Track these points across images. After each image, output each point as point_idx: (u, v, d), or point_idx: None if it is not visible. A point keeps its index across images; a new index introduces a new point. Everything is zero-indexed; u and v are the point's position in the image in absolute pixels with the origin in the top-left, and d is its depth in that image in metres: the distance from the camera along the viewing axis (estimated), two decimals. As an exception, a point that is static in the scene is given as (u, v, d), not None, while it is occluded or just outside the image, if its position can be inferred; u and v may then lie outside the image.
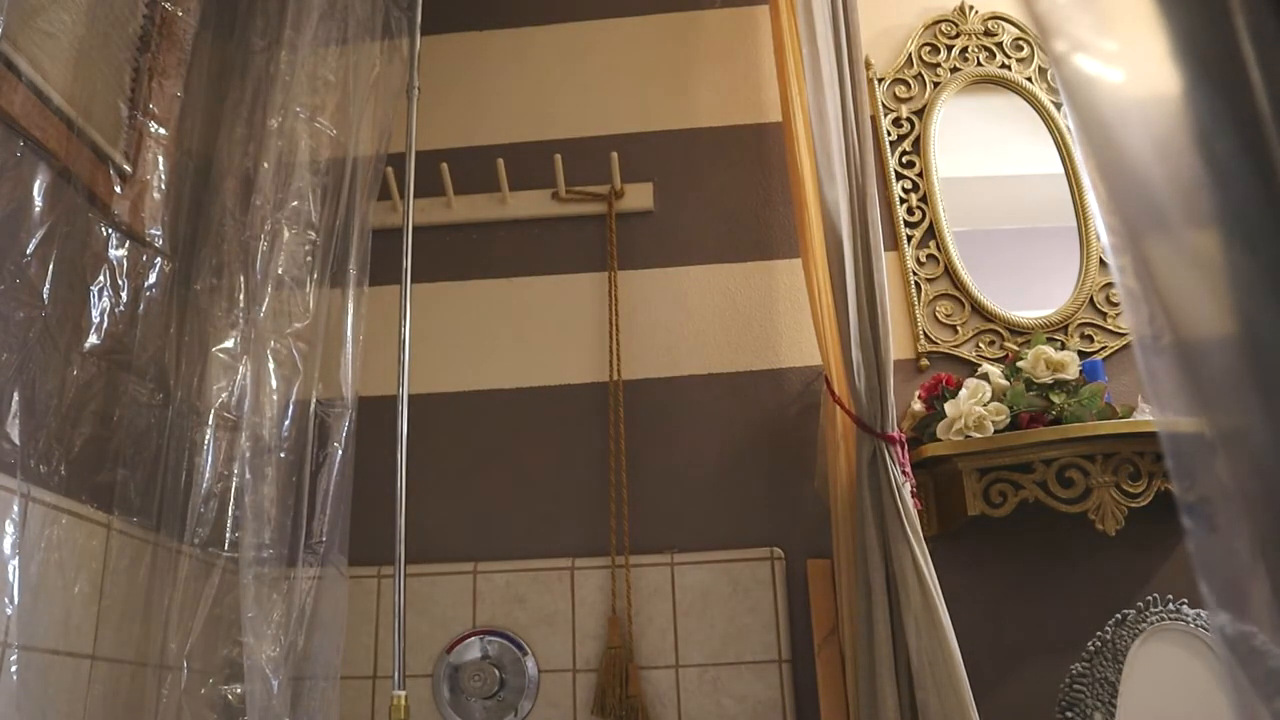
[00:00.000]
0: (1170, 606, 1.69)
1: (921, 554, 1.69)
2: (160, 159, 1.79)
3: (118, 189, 1.68)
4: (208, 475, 1.70)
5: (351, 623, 1.90)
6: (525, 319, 2.23)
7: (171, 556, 1.66)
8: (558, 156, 2.23)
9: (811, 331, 1.99)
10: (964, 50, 2.33)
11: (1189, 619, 1.68)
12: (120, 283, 1.66)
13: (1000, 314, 2.12)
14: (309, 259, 1.88)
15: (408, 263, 1.87)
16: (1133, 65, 0.41)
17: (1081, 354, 1.97)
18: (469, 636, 1.97)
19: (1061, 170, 2.24)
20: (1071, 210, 2.22)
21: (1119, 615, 1.69)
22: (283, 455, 1.74)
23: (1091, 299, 2.12)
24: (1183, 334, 0.41)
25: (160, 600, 1.64)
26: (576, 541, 2.04)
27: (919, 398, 1.98)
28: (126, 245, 1.69)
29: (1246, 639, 0.39)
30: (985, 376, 1.91)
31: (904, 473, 1.78)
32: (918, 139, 2.26)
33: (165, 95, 1.82)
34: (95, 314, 1.59)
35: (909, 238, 2.18)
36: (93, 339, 1.58)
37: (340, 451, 1.81)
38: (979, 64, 2.32)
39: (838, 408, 1.86)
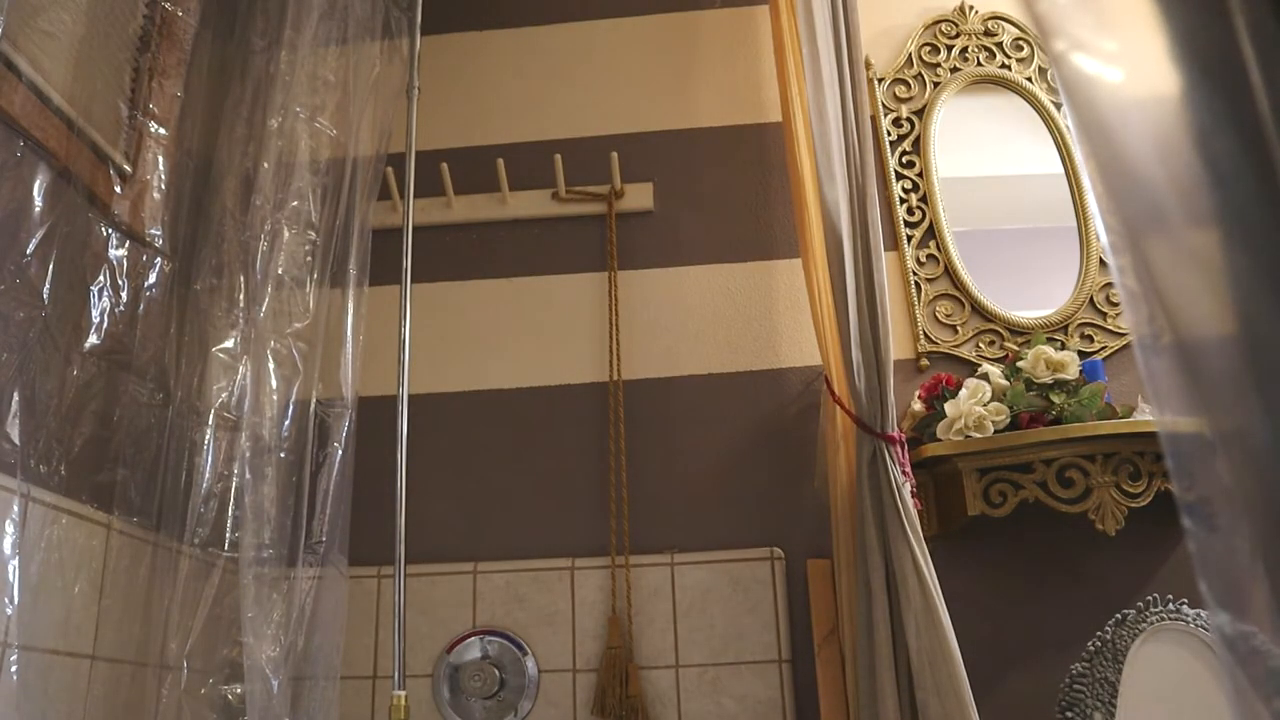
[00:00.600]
0: (1170, 606, 1.69)
1: (921, 554, 1.69)
2: (160, 159, 1.79)
3: (118, 189, 1.68)
4: (208, 475, 1.70)
5: (351, 623, 1.90)
6: (525, 319, 2.23)
7: (171, 556, 1.66)
8: (558, 156, 2.23)
9: (811, 331, 1.99)
10: (964, 50, 2.33)
11: (1189, 619, 1.68)
12: (120, 283, 1.66)
13: (1000, 314, 2.12)
14: (309, 259, 1.88)
15: (408, 263, 1.87)
16: (1133, 65, 0.41)
17: (1081, 354, 1.97)
18: (469, 636, 1.97)
19: (1061, 170, 2.24)
20: (1071, 210, 2.22)
21: (1119, 615, 1.69)
22: (283, 455, 1.74)
23: (1091, 299, 2.12)
24: (1183, 334, 0.41)
25: (160, 600, 1.64)
26: (576, 541, 2.04)
27: (919, 398, 1.98)
28: (126, 245, 1.69)
29: (1246, 639, 0.39)
30: (985, 376, 1.91)
31: (904, 473, 1.78)
32: (918, 139, 2.26)
33: (165, 95, 1.82)
34: (95, 314, 1.59)
35: (909, 238, 2.18)
36: (93, 339, 1.58)
37: (340, 451, 1.81)
38: (979, 64, 2.32)
39: (838, 408, 1.86)
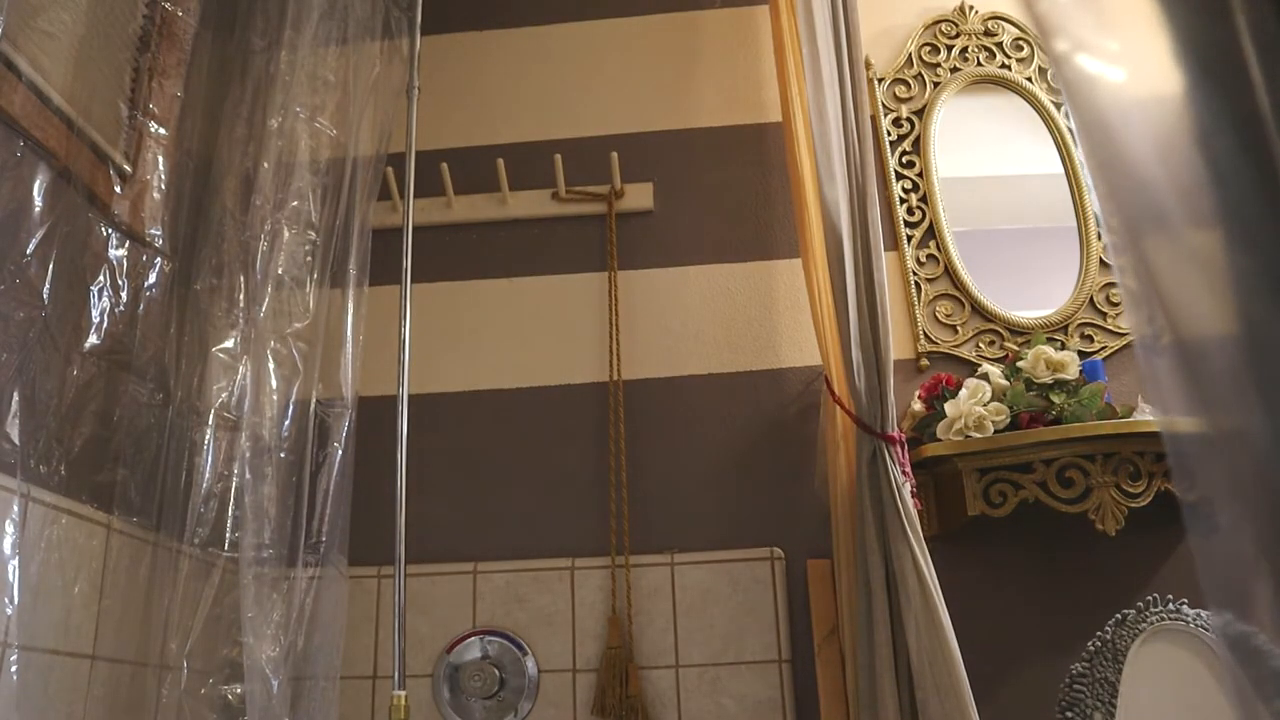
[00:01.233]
0: (1170, 606, 1.69)
1: (921, 554, 1.69)
2: (160, 159, 1.79)
3: (118, 189, 1.68)
4: (208, 475, 1.70)
5: (351, 623, 1.90)
6: (525, 319, 2.23)
7: (171, 556, 1.66)
8: (558, 156, 2.23)
9: (811, 331, 1.99)
10: (964, 50, 2.33)
11: (1189, 619, 1.68)
12: (120, 283, 1.66)
13: (1000, 314, 2.12)
14: (309, 259, 1.88)
15: (408, 263, 1.87)
16: (1134, 65, 0.41)
17: (1081, 354, 1.97)
18: (469, 636, 1.97)
19: (1061, 170, 2.24)
20: (1071, 210, 2.21)
21: (1119, 615, 1.69)
22: (283, 455, 1.74)
23: (1091, 299, 2.12)
24: (1183, 334, 0.41)
25: (160, 600, 1.64)
26: (576, 541, 2.04)
27: (919, 398, 1.98)
28: (126, 245, 1.69)
29: (1248, 639, 0.39)
30: (985, 376, 1.91)
31: (904, 473, 1.78)
32: (918, 139, 2.26)
33: (165, 95, 1.82)
34: (95, 314, 1.59)
35: (909, 238, 2.18)
36: (93, 339, 1.58)
37: (340, 451, 1.81)
38: (979, 64, 2.32)
39: (838, 408, 1.86)
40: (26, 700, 1.31)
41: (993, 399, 1.86)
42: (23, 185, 1.44)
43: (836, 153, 1.94)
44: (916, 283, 2.15)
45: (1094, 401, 1.81)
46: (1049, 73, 2.28)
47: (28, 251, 1.42)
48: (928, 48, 2.34)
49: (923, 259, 2.17)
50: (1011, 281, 2.17)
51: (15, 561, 1.29)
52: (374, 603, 2.00)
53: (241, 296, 1.81)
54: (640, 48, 2.43)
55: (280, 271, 1.82)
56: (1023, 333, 2.09)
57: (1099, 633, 1.69)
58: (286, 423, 1.77)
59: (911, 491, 1.77)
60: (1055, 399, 1.83)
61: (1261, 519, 0.35)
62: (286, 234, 1.85)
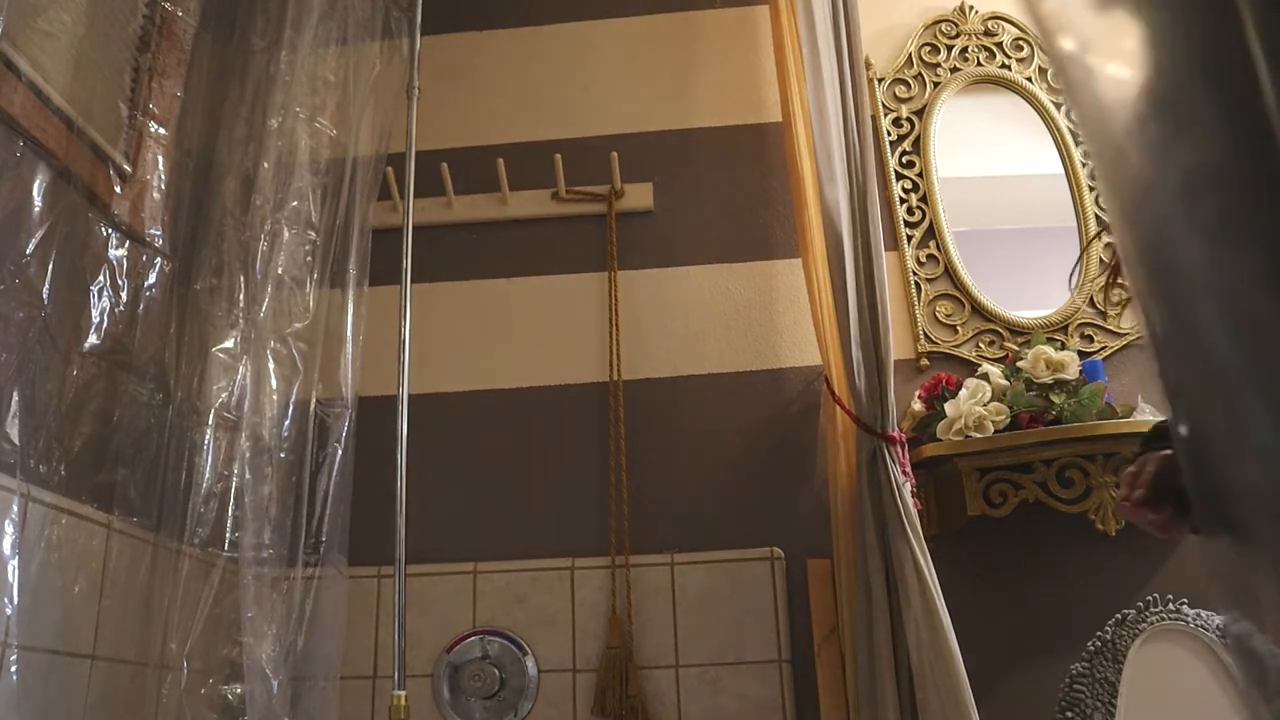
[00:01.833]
0: (1170, 606, 1.69)
1: (921, 554, 1.69)
2: (160, 159, 1.79)
3: (118, 189, 1.68)
4: (208, 475, 1.70)
5: (351, 623, 1.90)
6: (525, 319, 2.23)
7: (171, 556, 1.66)
8: (558, 156, 2.23)
9: (811, 331, 1.99)
10: (964, 50, 2.33)
11: (1189, 619, 1.68)
12: (120, 283, 1.65)
13: (1000, 314, 2.12)
14: (309, 259, 1.88)
15: (408, 263, 1.87)
16: (1136, 64, 0.41)
17: (1081, 354, 1.97)
18: (469, 636, 1.97)
19: (1061, 170, 2.24)
20: (1071, 210, 2.22)
21: (1119, 615, 1.70)
22: (283, 455, 1.74)
23: (1091, 299, 2.12)
24: (1184, 334, 0.41)
25: (160, 600, 1.64)
26: (576, 541, 2.04)
27: (919, 398, 1.98)
28: (126, 245, 1.69)
29: (1250, 638, 0.39)
30: (985, 376, 1.91)
31: (904, 473, 1.78)
32: (918, 139, 2.26)
33: (165, 95, 1.82)
34: (95, 314, 1.59)
35: (909, 238, 2.18)
36: (93, 339, 1.58)
37: (340, 451, 1.81)
38: (979, 64, 2.32)
39: (838, 408, 1.86)
40: (26, 700, 1.31)
41: (993, 399, 1.86)
42: (23, 185, 1.44)
43: (837, 153, 1.94)
44: (916, 283, 2.15)
45: (1094, 401, 1.81)
46: (1049, 72, 2.28)
47: (28, 251, 1.42)
48: (928, 48, 2.34)
49: (923, 259, 2.17)
50: (1011, 281, 2.18)
51: (15, 562, 1.29)
52: (374, 603, 2.00)
53: (241, 296, 1.81)
54: (640, 48, 2.43)
55: (280, 271, 1.82)
56: (1023, 333, 2.09)
57: (1099, 633, 1.69)
58: (286, 423, 1.77)
59: (912, 491, 1.77)
60: (1055, 399, 1.83)
61: (1267, 519, 0.35)
62: (286, 234, 1.85)
